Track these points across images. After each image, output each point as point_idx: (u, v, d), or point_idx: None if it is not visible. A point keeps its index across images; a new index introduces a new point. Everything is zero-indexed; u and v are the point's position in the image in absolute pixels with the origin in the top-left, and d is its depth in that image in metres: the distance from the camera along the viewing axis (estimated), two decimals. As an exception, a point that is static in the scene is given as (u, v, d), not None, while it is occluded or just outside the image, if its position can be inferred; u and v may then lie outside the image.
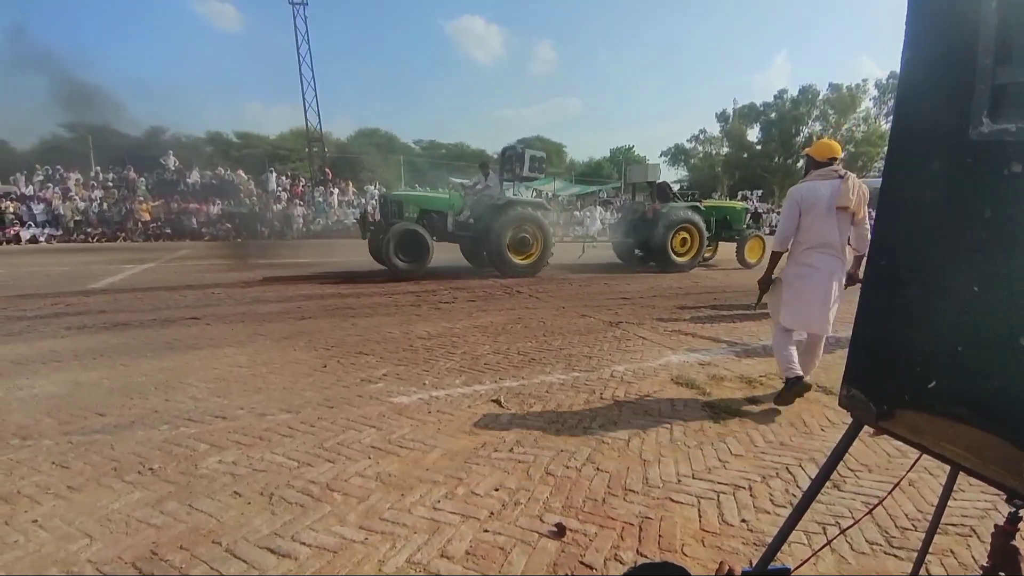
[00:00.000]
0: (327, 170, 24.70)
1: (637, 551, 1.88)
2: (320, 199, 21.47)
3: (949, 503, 1.36)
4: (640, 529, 2.01)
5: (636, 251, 11.03)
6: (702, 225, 10.54)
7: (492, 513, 2.08)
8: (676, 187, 12.90)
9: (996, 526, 1.11)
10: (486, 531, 1.96)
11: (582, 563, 1.80)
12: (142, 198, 17.86)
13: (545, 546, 1.89)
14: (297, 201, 20.66)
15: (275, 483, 2.27)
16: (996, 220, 0.75)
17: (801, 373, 3.24)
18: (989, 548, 1.12)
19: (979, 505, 2.13)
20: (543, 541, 1.91)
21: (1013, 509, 1.04)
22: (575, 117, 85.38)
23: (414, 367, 3.93)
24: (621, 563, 1.80)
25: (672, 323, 5.68)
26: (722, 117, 45.20)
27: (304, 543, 1.87)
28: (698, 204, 11.31)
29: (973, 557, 1.82)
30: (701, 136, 46.91)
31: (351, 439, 2.71)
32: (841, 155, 3.34)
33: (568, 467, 2.46)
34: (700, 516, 2.10)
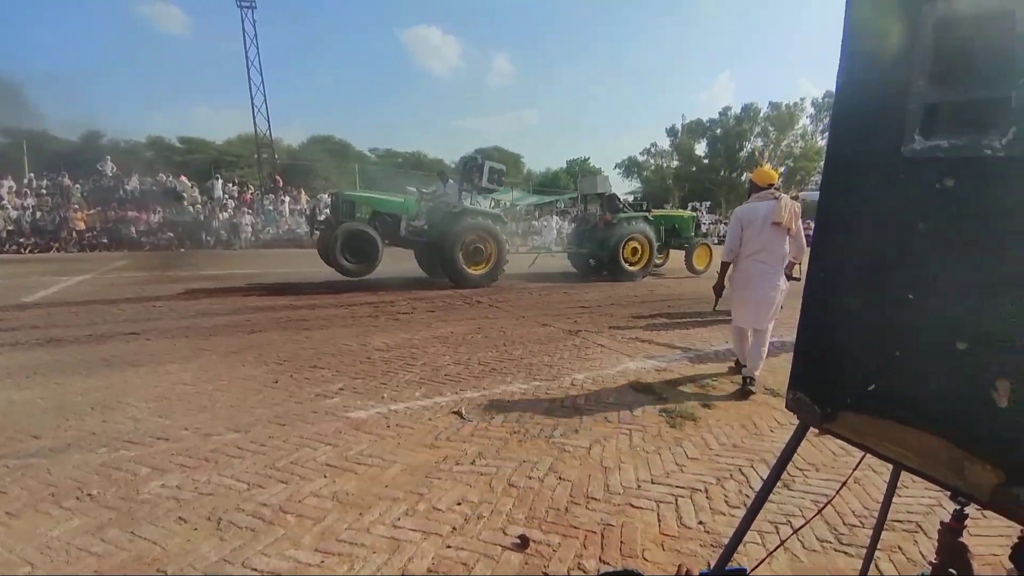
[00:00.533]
0: (277, 177, 23.87)
1: (600, 559, 1.89)
2: (270, 207, 20.69)
3: (894, 500, 1.45)
4: (602, 536, 2.02)
5: (590, 260, 11.26)
6: (652, 235, 10.89)
7: (454, 528, 2.04)
8: (630, 198, 13.27)
9: (942, 523, 1.18)
10: (448, 547, 1.93)
11: (546, 574, 1.80)
12: (77, 206, 16.62)
13: (509, 559, 1.87)
14: (245, 209, 19.80)
15: (223, 507, 2.15)
16: (929, 232, 0.82)
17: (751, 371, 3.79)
18: (937, 545, 1.19)
19: (923, 502, 2.27)
20: (506, 554, 1.90)
21: (958, 507, 1.11)
22: (533, 128, 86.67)
23: (372, 380, 3.83)
24: (584, 572, 1.81)
25: (629, 331, 5.81)
26: (672, 132, 47.03)
27: (255, 569, 1.77)
28: (647, 214, 11.69)
29: (921, 553, 1.93)
30: (652, 149, 48.62)
31: (305, 458, 2.60)
32: (777, 180, 4.00)
33: (531, 478, 2.46)
34: (659, 520, 2.15)
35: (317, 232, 8.94)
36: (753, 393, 3.68)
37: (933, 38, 0.79)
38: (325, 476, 2.42)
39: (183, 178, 20.34)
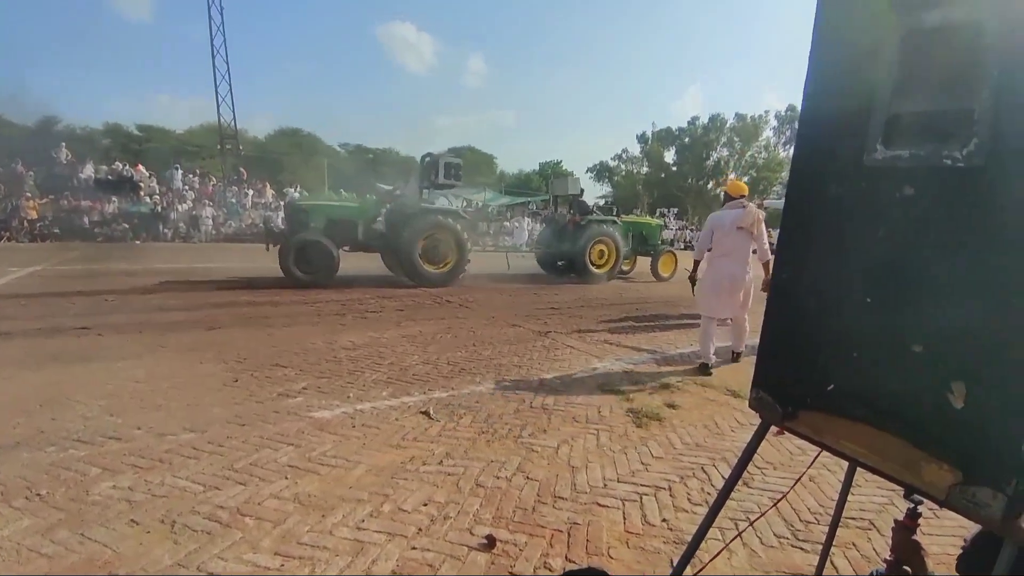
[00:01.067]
0: (242, 169, 23.09)
1: (566, 557, 1.90)
2: (233, 200, 19.99)
3: (849, 498, 1.51)
4: (569, 535, 2.04)
5: (558, 262, 11.34)
6: (619, 239, 11.04)
7: (420, 529, 2.01)
8: (601, 202, 13.43)
9: (896, 521, 1.23)
10: (414, 548, 1.90)
11: (512, 574, 1.79)
12: (29, 194, 15.61)
13: (475, 559, 1.86)
14: (206, 201, 19.06)
15: (177, 509, 2.06)
16: (888, 239, 0.85)
17: (708, 362, 4.45)
18: (891, 542, 1.23)
19: (876, 500, 2.37)
20: (473, 554, 1.88)
21: (912, 505, 1.16)
22: (507, 130, 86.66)
23: (337, 379, 3.74)
24: (550, 570, 1.82)
25: (598, 333, 5.88)
26: (642, 139, 47.99)
27: (212, 573, 1.70)
28: (615, 219, 11.86)
29: (874, 549, 2.02)
30: (624, 155, 49.52)
31: (265, 459, 2.51)
32: (746, 192, 4.82)
33: (498, 477, 2.45)
34: (625, 518, 2.18)
35: (275, 246, 8.45)
36: (709, 374, 4.37)
37: (899, 50, 0.83)
38: (286, 477, 2.35)
39: (140, 167, 19.42)
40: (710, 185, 44.71)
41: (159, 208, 17.23)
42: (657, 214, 33.56)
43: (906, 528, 1.20)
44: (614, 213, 12.69)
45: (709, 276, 4.55)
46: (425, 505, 2.18)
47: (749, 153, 44.63)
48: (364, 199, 9.58)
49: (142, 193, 17.70)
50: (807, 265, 1.01)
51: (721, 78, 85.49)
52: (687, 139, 45.87)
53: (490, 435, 2.92)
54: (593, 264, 10.75)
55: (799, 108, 1.02)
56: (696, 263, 4.89)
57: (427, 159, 9.33)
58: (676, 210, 37.46)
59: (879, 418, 0.87)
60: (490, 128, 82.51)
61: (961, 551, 1.01)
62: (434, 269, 8.83)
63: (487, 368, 4.22)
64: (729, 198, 4.67)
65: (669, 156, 47.24)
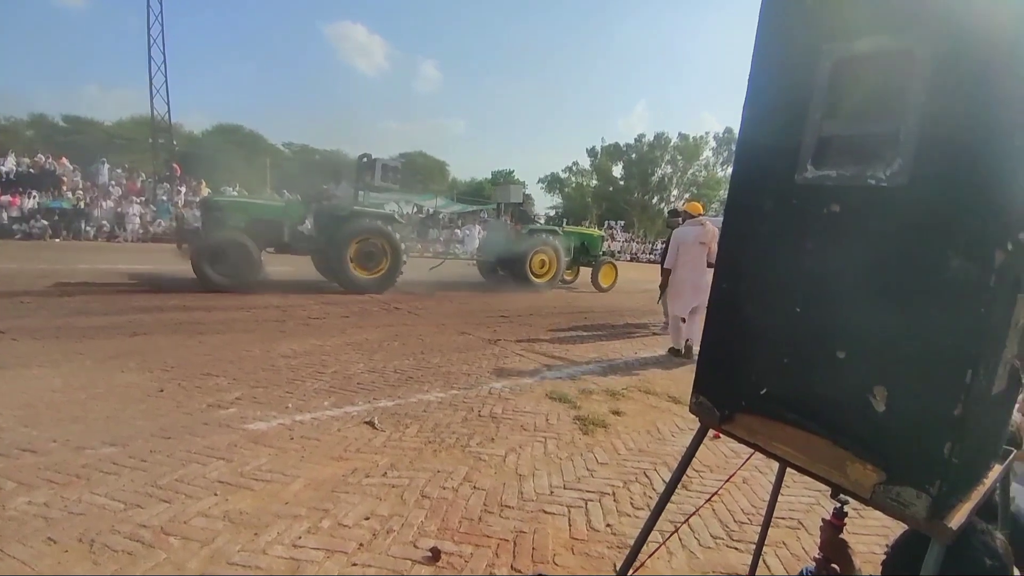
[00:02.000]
0: (175, 165, 21.67)
1: (512, 566, 1.89)
2: (164, 197, 18.69)
3: (779, 498, 1.59)
4: (515, 544, 2.03)
5: (498, 269, 11.30)
6: (560, 248, 11.15)
7: (361, 544, 1.94)
8: (551, 212, 13.61)
9: (824, 520, 1.29)
10: (354, 564, 1.82)
11: (457, 586, 1.76)
12: None
13: (419, 573, 1.81)
14: (134, 198, 17.71)
15: (96, 528, 1.90)
16: (816, 252, 0.91)
17: (679, 347, 5.59)
18: (820, 541, 1.30)
19: (804, 500, 2.52)
20: (417, 568, 1.83)
21: (838, 505, 1.23)
22: (459, 138, 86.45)
23: (275, 389, 3.56)
24: (496, 581, 1.80)
25: (547, 342, 5.94)
26: (592, 152, 49.36)
27: (126, 603, 1.56)
28: (557, 229, 12.01)
29: (804, 548, 2.14)
30: (574, 168, 50.72)
31: (193, 474, 2.34)
32: (703, 211, 5.97)
33: (445, 488, 2.40)
34: (570, 525, 2.19)
35: (185, 244, 7.79)
36: (680, 354, 5.53)
37: (831, 76, 0.89)
38: (216, 494, 2.20)
39: (64, 160, 17.80)
40: (655, 200, 46.60)
41: (82, 204, 15.83)
42: (605, 226, 34.55)
43: (833, 527, 1.27)
44: (562, 223, 12.86)
45: (675, 283, 5.59)
46: (367, 519, 2.11)
47: (691, 171, 46.94)
48: (289, 199, 9.09)
49: (64, 188, 16.20)
50: (744, 276, 1.07)
51: (665, 98, 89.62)
52: (634, 155, 47.61)
53: (437, 445, 2.86)
54: (534, 273, 10.77)
55: (736, 131, 1.08)
56: (666, 274, 5.77)
57: (364, 160, 8.93)
58: (623, 223, 38.74)
59: (807, 421, 0.93)
60: (441, 135, 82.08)
61: (886, 554, 1.08)
62: (366, 275, 8.41)
63: (435, 376, 4.16)
64: (689, 216, 5.82)
65: (617, 170, 48.81)
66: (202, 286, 7.35)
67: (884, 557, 1.09)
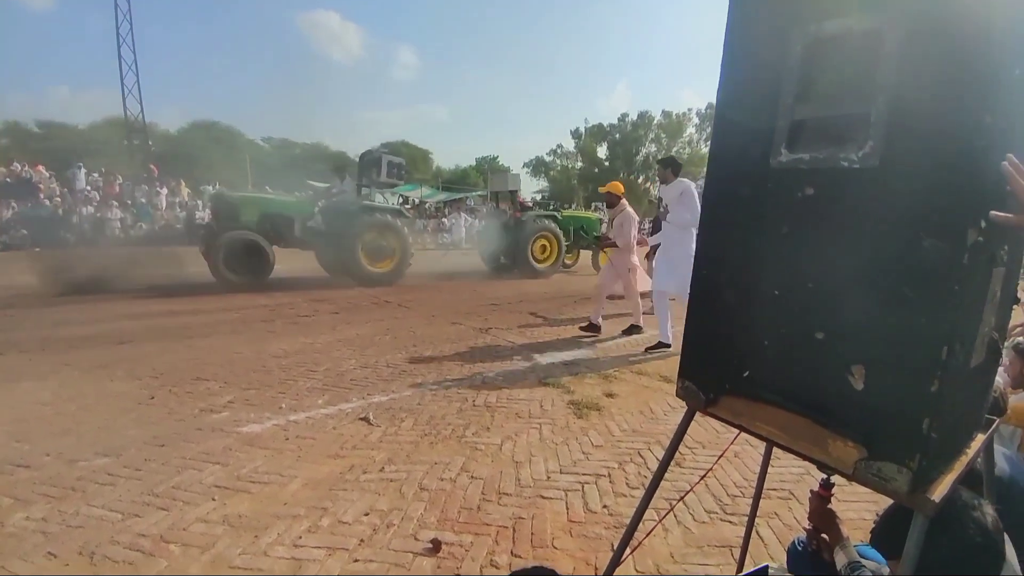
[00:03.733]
0: (152, 166, 21.21)
1: (512, 552, 1.92)
2: (143, 200, 18.30)
3: (768, 471, 1.63)
4: (514, 531, 2.06)
5: (501, 258, 11.39)
6: (560, 233, 11.27)
7: (362, 540, 1.96)
8: (538, 197, 13.60)
9: (812, 491, 1.32)
10: (356, 561, 1.84)
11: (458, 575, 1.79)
12: None
13: (420, 565, 1.83)
14: (113, 202, 17.32)
15: (95, 540, 1.91)
16: (792, 235, 0.92)
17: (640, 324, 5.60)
18: (809, 511, 1.33)
19: (794, 471, 2.57)
20: (418, 560, 1.86)
21: (825, 476, 1.25)
22: (442, 125, 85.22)
23: (267, 390, 3.55)
24: (496, 568, 1.83)
25: (539, 327, 5.96)
26: (576, 134, 49.04)
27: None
28: (555, 214, 12.06)
29: (795, 518, 2.19)
30: (558, 150, 50.41)
31: (189, 480, 2.34)
32: (622, 192, 5.66)
33: (442, 479, 2.43)
34: (568, 508, 2.23)
35: (198, 240, 8.02)
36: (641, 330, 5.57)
37: (802, 58, 0.89)
38: (213, 499, 2.20)
39: (40, 168, 17.35)
40: (640, 179, 46.55)
41: (60, 211, 15.47)
42: (592, 208, 34.54)
43: (821, 497, 1.30)
44: (549, 207, 12.88)
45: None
46: (367, 515, 2.12)
47: (675, 148, 46.89)
48: (299, 195, 9.12)
49: (42, 196, 15.80)
50: (724, 262, 1.07)
51: (645, 76, 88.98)
52: (618, 135, 47.44)
53: (433, 437, 2.88)
54: (535, 259, 10.89)
55: (718, 106, 1.08)
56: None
57: (367, 157, 9.05)
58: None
59: (789, 400, 0.94)
60: (422, 123, 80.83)
61: (874, 524, 1.11)
62: (376, 268, 8.62)
63: (428, 369, 4.17)
64: (614, 197, 5.58)
65: (602, 151, 48.65)
66: (213, 289, 7.46)
67: (873, 526, 1.12)
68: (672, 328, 4.90)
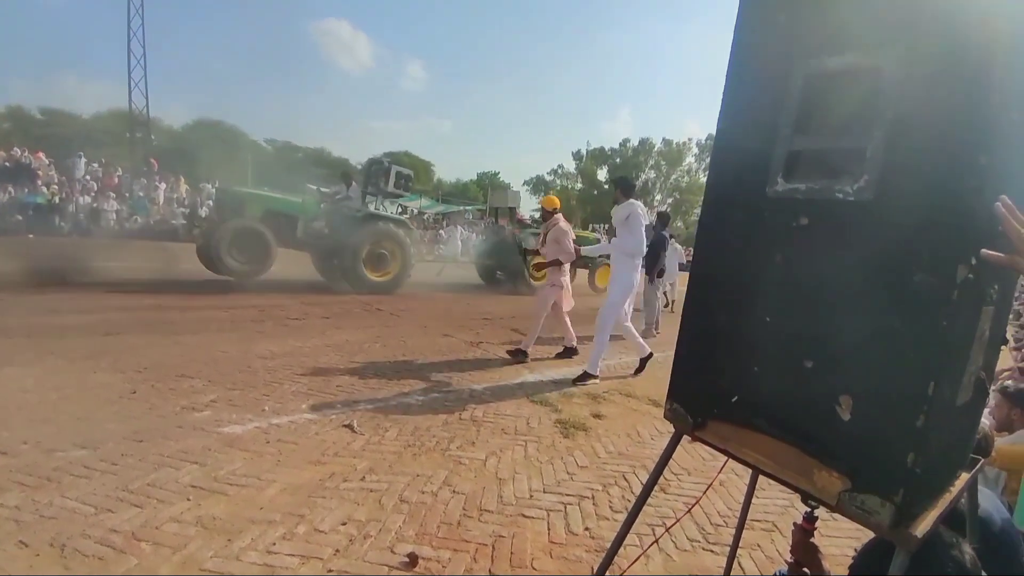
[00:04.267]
0: (153, 160, 21.19)
1: (490, 571, 1.89)
2: (141, 193, 18.23)
3: (753, 501, 1.62)
4: (493, 549, 2.02)
5: (497, 273, 11.41)
6: None
7: (337, 551, 1.91)
8: (537, 215, 13.68)
9: (795, 524, 1.31)
10: (330, 570, 1.80)
11: (434, 592, 1.75)
12: None
13: (395, 579, 1.79)
14: (111, 193, 17.23)
15: (67, 532, 1.87)
16: (784, 263, 0.93)
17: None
18: (791, 544, 1.32)
19: (778, 503, 2.56)
20: (393, 574, 1.82)
21: (808, 509, 1.24)
22: (445, 138, 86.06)
23: (251, 391, 3.50)
24: (473, 587, 1.79)
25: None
26: (577, 156, 49.67)
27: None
28: None
29: (777, 550, 2.17)
30: (559, 170, 50.96)
31: (165, 478, 2.29)
32: (558, 206, 5.45)
33: (424, 492, 2.39)
34: (549, 529, 2.20)
35: (197, 230, 8.04)
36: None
37: (802, 91, 0.91)
38: (188, 499, 2.15)
39: (40, 155, 17.29)
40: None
41: (57, 199, 15.36)
42: (590, 229, 34.83)
43: (804, 531, 1.29)
44: None
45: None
46: (344, 524, 2.08)
47: (673, 176, 47.53)
48: (305, 196, 9.15)
49: (40, 183, 15.71)
50: (716, 285, 1.08)
51: (649, 103, 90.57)
52: (618, 159, 48.05)
53: (417, 448, 2.85)
54: (533, 277, 10.91)
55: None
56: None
57: (375, 166, 9.13)
58: (607, 226, 39.01)
59: (776, 428, 0.94)
60: (427, 135, 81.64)
61: (853, 559, 1.10)
62: (377, 277, 8.62)
63: (416, 379, 4.13)
64: (547, 213, 5.37)
65: (602, 174, 49.16)
66: (213, 272, 7.47)
67: (852, 559, 1.11)
68: (602, 361, 4.63)
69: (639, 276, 4.64)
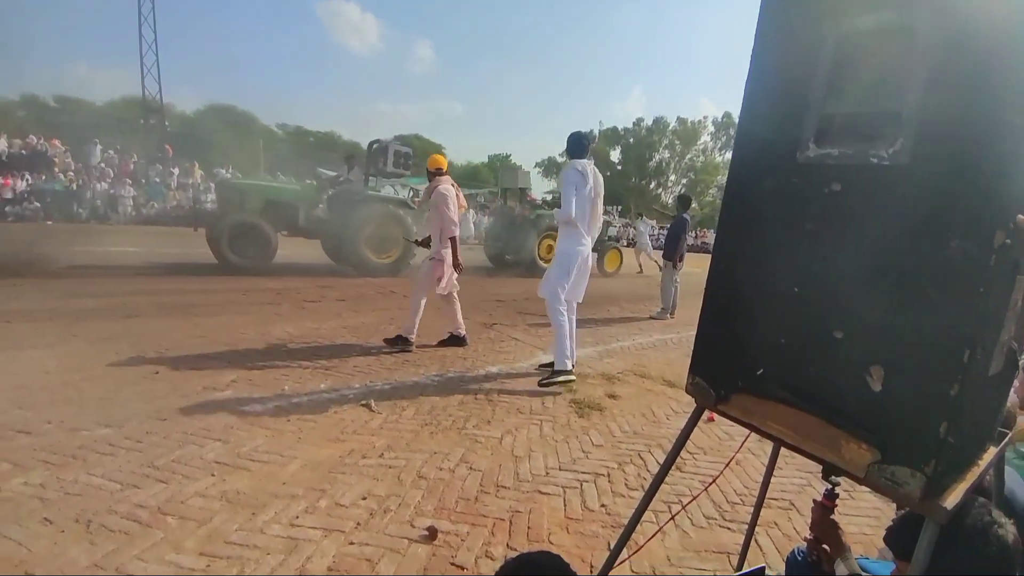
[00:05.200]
0: (167, 146, 21.36)
1: (507, 545, 1.91)
2: (156, 179, 18.44)
3: (771, 479, 1.61)
4: (510, 523, 2.05)
5: (506, 256, 11.33)
6: None
7: (358, 524, 1.96)
8: (548, 197, 13.54)
9: (815, 501, 1.30)
10: (351, 543, 1.84)
11: (453, 564, 1.78)
12: None
13: (416, 552, 1.83)
14: (127, 180, 17.45)
15: (93, 508, 1.92)
16: (816, 231, 0.90)
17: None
18: (811, 521, 1.31)
19: (796, 481, 2.55)
20: (413, 547, 1.85)
21: (830, 486, 1.23)
22: (456, 120, 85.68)
23: (271, 371, 3.56)
24: (491, 559, 1.82)
25: (543, 326, 5.94)
26: (589, 137, 48.98)
27: (131, 574, 1.58)
28: None
29: (795, 528, 2.17)
30: (571, 151, 50.28)
31: (189, 455, 2.35)
32: (444, 166, 4.55)
33: (441, 469, 2.42)
34: (565, 505, 2.22)
35: (203, 228, 8.09)
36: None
37: (834, 53, 0.87)
38: (213, 475, 2.21)
39: (56, 142, 17.53)
40: (652, 185, 46.38)
41: (74, 186, 15.61)
42: (602, 211, 34.45)
43: (824, 508, 1.28)
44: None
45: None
46: (364, 499, 2.12)
47: (688, 156, 46.66)
48: (305, 183, 9.17)
49: (56, 170, 15.96)
50: (742, 257, 1.06)
51: (662, 82, 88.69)
52: (632, 139, 47.25)
53: (433, 427, 2.88)
54: (542, 258, 10.82)
55: (734, 116, 1.07)
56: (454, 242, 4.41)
57: (375, 146, 9.05)
58: (620, 208, 38.61)
59: (803, 400, 0.93)
60: (437, 117, 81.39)
61: (891, 523, 1.08)
62: (379, 259, 8.63)
63: (431, 360, 4.17)
64: (433, 173, 4.48)
65: (615, 155, 48.45)
66: (220, 270, 7.53)
67: (890, 524, 1.10)
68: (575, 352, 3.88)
69: (580, 248, 3.78)
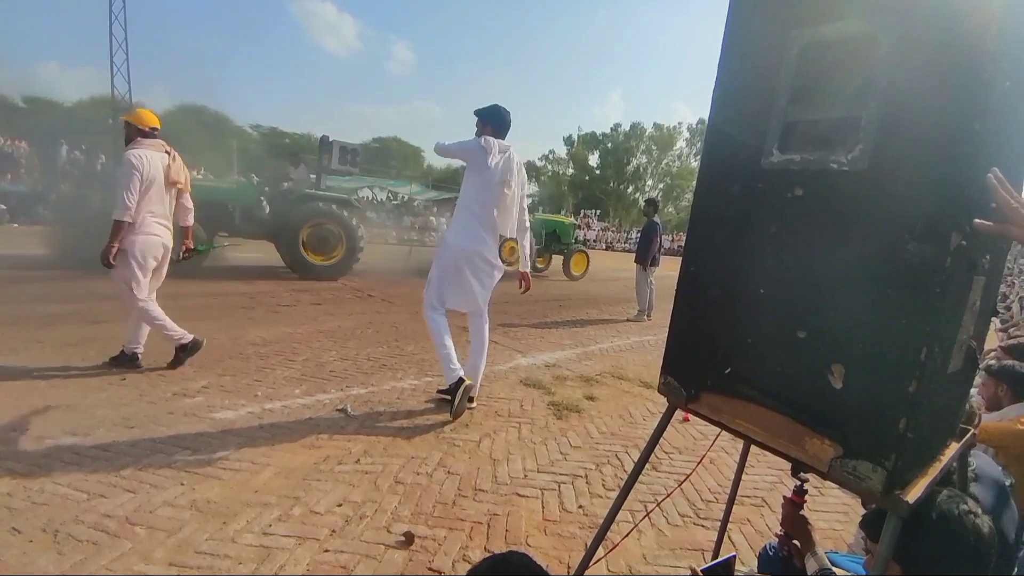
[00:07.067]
0: (136, 147, 20.70)
1: (485, 548, 1.91)
2: (125, 181, 17.84)
3: (743, 477, 1.64)
4: (488, 527, 2.04)
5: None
6: (532, 236, 11.10)
7: (334, 531, 1.92)
8: (528, 201, 13.53)
9: (785, 498, 1.34)
10: (326, 551, 1.81)
11: (430, 569, 1.77)
12: None
13: (392, 557, 1.81)
14: (94, 181, 16.86)
15: (60, 518, 1.86)
16: (779, 235, 0.93)
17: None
18: (781, 517, 1.34)
19: (767, 479, 2.61)
20: (390, 552, 1.83)
21: (799, 483, 1.27)
22: (435, 122, 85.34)
23: (244, 377, 3.48)
24: (469, 563, 1.81)
25: (522, 328, 5.96)
26: (568, 141, 49.42)
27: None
28: (533, 216, 11.99)
29: (767, 524, 2.21)
30: (550, 156, 50.70)
31: (158, 463, 2.28)
32: (156, 124, 3.54)
33: (418, 473, 2.40)
34: (543, 507, 2.22)
35: None
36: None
37: (797, 62, 0.90)
38: (182, 484, 2.14)
39: (22, 143, 16.86)
40: (630, 189, 46.99)
41: (39, 188, 15.03)
42: (581, 215, 34.73)
43: (794, 504, 1.31)
44: (537, 212, 12.77)
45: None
46: (340, 506, 2.09)
47: (664, 161, 47.46)
48: (240, 181, 8.69)
49: (22, 171, 15.35)
50: (710, 259, 1.08)
51: (640, 87, 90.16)
52: (610, 144, 47.84)
53: (411, 431, 2.85)
54: (504, 261, 10.74)
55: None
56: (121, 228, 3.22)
57: (322, 143, 8.66)
58: (599, 212, 38.99)
59: (769, 398, 0.95)
60: (416, 119, 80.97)
61: (867, 511, 1.11)
62: (321, 260, 8.14)
63: (409, 364, 4.13)
64: (140, 132, 3.47)
65: (593, 159, 48.98)
66: (190, 271, 7.03)
67: (865, 511, 1.13)
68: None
69: (459, 241, 3.32)
